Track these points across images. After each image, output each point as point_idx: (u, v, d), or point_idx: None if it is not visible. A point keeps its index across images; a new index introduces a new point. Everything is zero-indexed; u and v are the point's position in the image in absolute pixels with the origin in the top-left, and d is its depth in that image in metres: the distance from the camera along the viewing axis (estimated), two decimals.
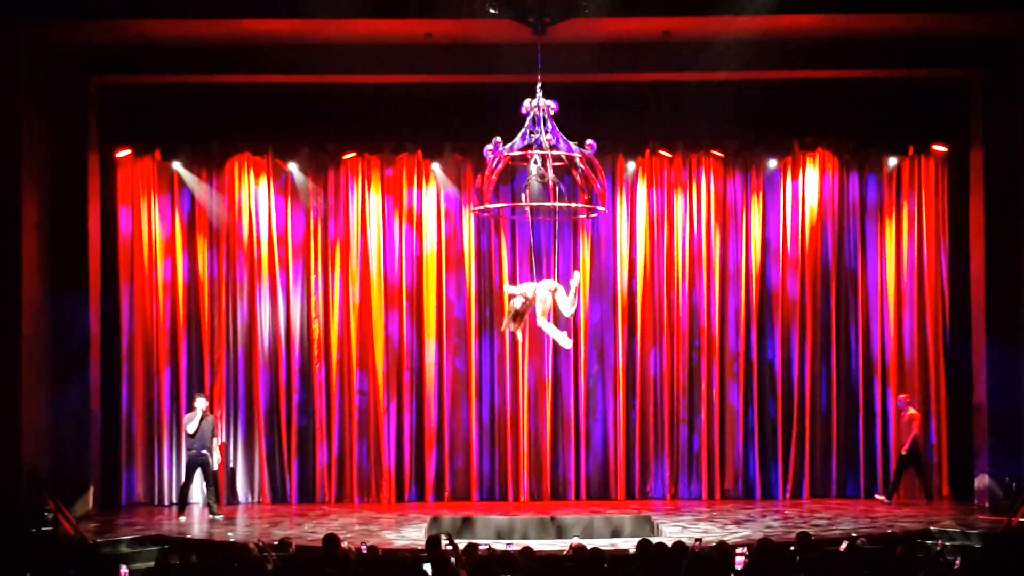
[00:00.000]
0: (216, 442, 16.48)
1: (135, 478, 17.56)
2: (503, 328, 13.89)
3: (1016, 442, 16.21)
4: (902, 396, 17.33)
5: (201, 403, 16.34)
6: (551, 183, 12.90)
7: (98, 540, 13.95)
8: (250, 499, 17.76)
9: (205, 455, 16.24)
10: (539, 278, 13.55)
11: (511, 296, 13.15)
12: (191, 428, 16.22)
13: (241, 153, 17.87)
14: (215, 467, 16.36)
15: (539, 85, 13.02)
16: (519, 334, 14.03)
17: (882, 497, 17.05)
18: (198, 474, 16.44)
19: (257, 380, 17.74)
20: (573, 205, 14.22)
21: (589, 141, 13.11)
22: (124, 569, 9.35)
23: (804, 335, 17.87)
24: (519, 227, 17.67)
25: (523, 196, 13.27)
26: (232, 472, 17.67)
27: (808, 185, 18.04)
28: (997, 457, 16.33)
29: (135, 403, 17.59)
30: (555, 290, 13.16)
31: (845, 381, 17.88)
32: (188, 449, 16.37)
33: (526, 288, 13.14)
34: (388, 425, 17.78)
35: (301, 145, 17.81)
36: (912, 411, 17.04)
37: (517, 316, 13.04)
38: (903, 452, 17.00)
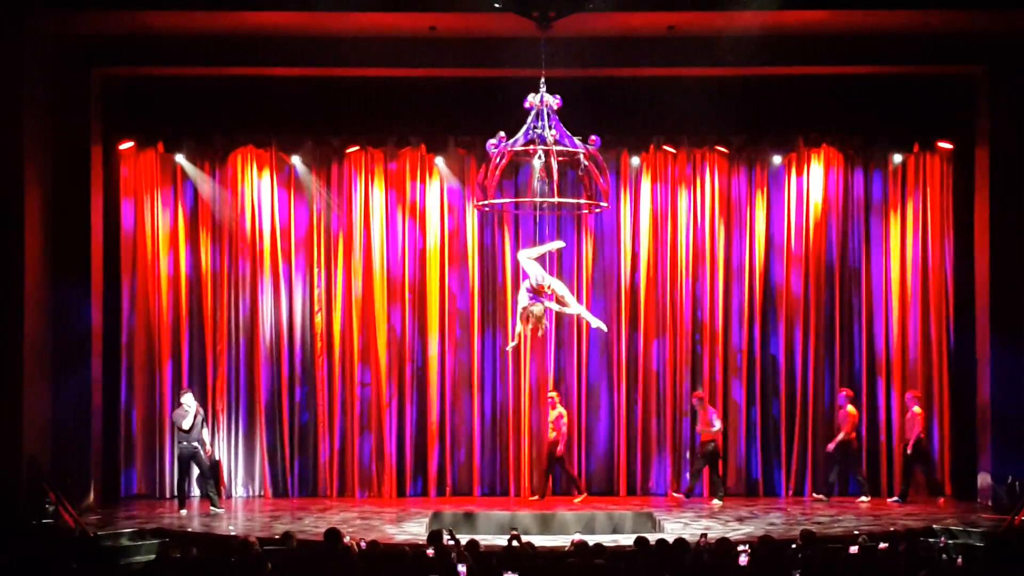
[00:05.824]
0: (206, 433, 16.46)
1: (135, 471, 17.54)
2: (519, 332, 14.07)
3: (1019, 441, 16.15)
4: (909, 393, 17.23)
5: (189, 399, 16.29)
6: (554, 178, 12.88)
7: (99, 533, 13.92)
8: (251, 492, 17.75)
9: (196, 447, 16.22)
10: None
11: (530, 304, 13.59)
12: (186, 424, 16.16)
13: (244, 146, 17.81)
14: (206, 460, 16.35)
15: (543, 80, 12.98)
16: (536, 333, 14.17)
17: (894, 499, 16.96)
18: (193, 466, 16.42)
19: (259, 373, 17.71)
20: (575, 201, 14.19)
21: (592, 137, 13.09)
22: None
23: (808, 332, 17.82)
24: (522, 222, 17.63)
25: (530, 192, 13.40)
26: (225, 465, 17.65)
27: (813, 181, 17.98)
28: (1000, 455, 16.28)
29: (136, 396, 17.57)
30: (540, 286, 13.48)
31: (848, 378, 17.82)
32: (179, 443, 16.34)
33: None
34: (390, 419, 17.74)
35: (305, 138, 17.76)
36: (917, 409, 16.97)
37: (530, 318, 13.48)
38: (907, 452, 16.95)
